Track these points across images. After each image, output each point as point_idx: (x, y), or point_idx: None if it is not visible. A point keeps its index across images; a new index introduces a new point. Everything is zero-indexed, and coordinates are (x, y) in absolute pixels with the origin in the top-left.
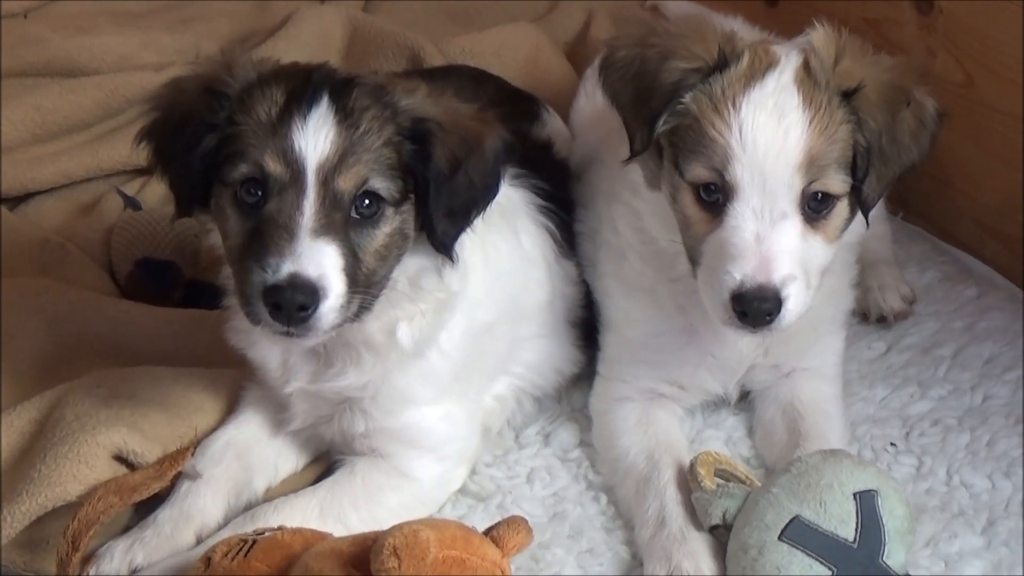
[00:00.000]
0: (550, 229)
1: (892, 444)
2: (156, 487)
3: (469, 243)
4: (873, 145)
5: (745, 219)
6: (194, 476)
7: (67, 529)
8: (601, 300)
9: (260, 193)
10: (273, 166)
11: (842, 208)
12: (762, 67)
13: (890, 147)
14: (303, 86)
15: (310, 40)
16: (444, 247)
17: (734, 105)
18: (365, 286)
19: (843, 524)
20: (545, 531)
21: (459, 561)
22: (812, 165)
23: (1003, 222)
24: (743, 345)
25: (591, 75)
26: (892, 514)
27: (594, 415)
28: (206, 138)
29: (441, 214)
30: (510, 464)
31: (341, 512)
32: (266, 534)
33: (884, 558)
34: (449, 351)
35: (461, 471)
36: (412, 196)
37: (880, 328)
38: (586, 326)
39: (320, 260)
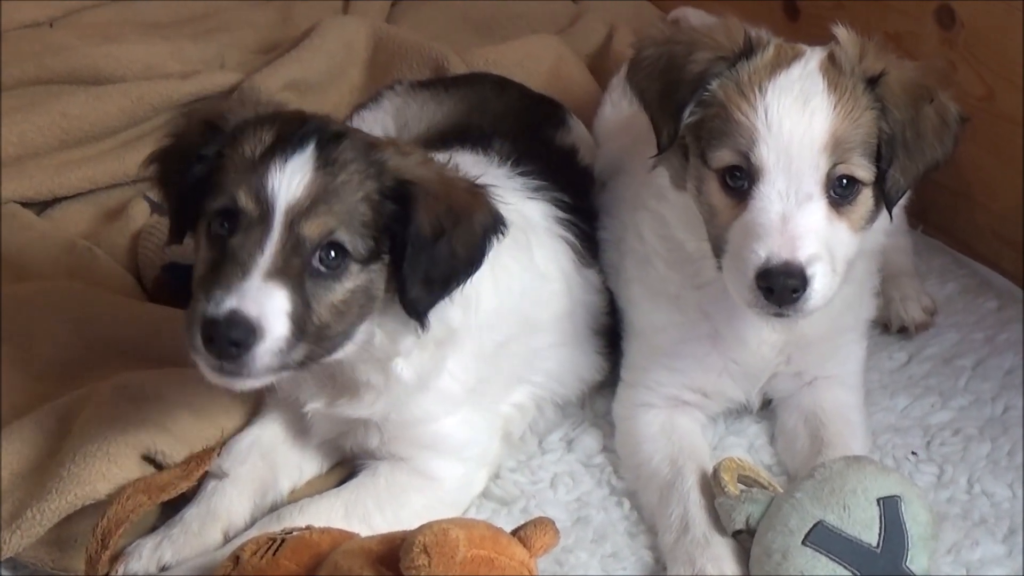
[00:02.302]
0: (569, 241)
1: (913, 453)
2: (184, 487)
3: (483, 273)
4: (897, 135)
5: (771, 200)
6: (220, 475)
7: (96, 528)
8: (625, 307)
9: (231, 226)
10: (245, 201)
11: (867, 197)
12: (788, 57)
13: (914, 141)
14: (293, 131)
15: (334, 50)
16: (416, 313)
17: (760, 90)
18: (316, 338)
19: (867, 529)
20: (569, 535)
21: (488, 560)
22: (837, 147)
23: (1023, 235)
24: (766, 351)
25: (616, 84)
26: (915, 520)
27: (617, 421)
28: (196, 168)
29: (418, 280)
30: (533, 469)
31: (366, 513)
32: (294, 533)
33: (907, 563)
34: (460, 374)
35: (483, 474)
36: (386, 257)
37: (901, 339)
38: (610, 333)
39: (263, 301)
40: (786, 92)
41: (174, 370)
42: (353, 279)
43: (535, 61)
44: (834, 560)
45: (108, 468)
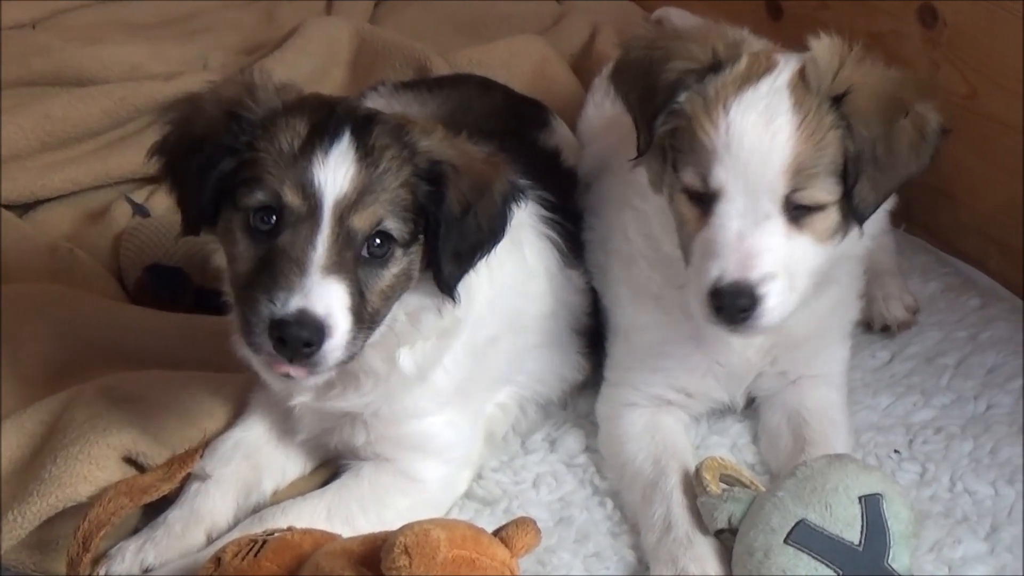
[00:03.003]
0: (554, 240)
1: (896, 451)
2: (166, 488)
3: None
4: (865, 152)
5: (729, 218)
6: (203, 477)
7: (78, 530)
8: (610, 307)
9: (274, 222)
10: (291, 197)
11: (831, 211)
12: (759, 71)
13: (886, 156)
14: (326, 119)
15: (317, 51)
16: (448, 288)
17: (725, 107)
18: (369, 324)
19: (848, 527)
20: (551, 535)
21: (469, 560)
22: (799, 172)
23: (1007, 233)
24: (751, 354)
25: (600, 85)
26: (897, 518)
27: (601, 421)
28: (224, 160)
29: (448, 256)
30: (516, 469)
31: (349, 514)
32: (276, 535)
33: (889, 561)
34: (452, 369)
35: (466, 474)
36: (421, 237)
37: (884, 337)
38: (592, 333)
39: (329, 298)
40: (750, 110)
41: (156, 372)
42: (398, 263)
43: (519, 62)
44: (816, 558)
45: (90, 470)
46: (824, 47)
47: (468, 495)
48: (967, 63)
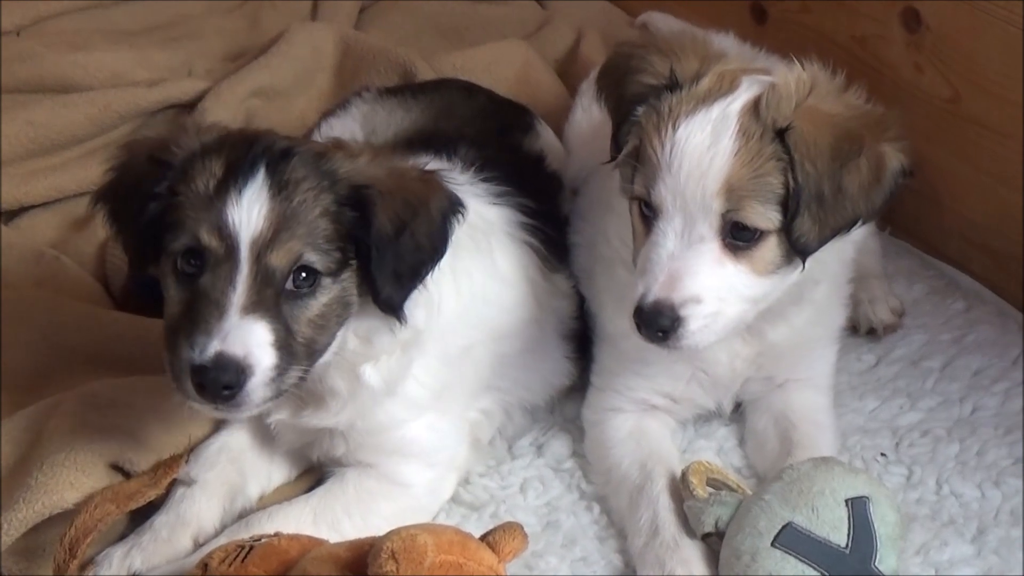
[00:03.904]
0: (534, 246)
1: (883, 454)
2: (152, 494)
3: (437, 274)
4: (810, 188)
5: (665, 236)
6: (189, 482)
7: (64, 536)
8: (596, 312)
9: (198, 264)
10: (209, 239)
11: (772, 244)
12: (717, 92)
13: (833, 195)
14: (242, 157)
15: (302, 56)
16: (391, 309)
17: (675, 125)
18: (306, 356)
19: (835, 530)
20: (539, 540)
21: (456, 565)
22: (731, 194)
23: (991, 237)
24: (737, 363)
25: (587, 89)
26: (884, 520)
27: (587, 426)
28: (150, 206)
29: (387, 278)
30: (503, 474)
31: (335, 519)
32: (263, 540)
33: (876, 563)
34: (425, 379)
35: (452, 478)
36: (354, 263)
37: (870, 341)
38: (580, 337)
39: (247, 339)
40: (696, 132)
41: (141, 378)
42: (327, 293)
43: (503, 67)
44: (803, 561)
45: (76, 477)
46: (791, 77)
47: (455, 500)
48: (950, 67)
